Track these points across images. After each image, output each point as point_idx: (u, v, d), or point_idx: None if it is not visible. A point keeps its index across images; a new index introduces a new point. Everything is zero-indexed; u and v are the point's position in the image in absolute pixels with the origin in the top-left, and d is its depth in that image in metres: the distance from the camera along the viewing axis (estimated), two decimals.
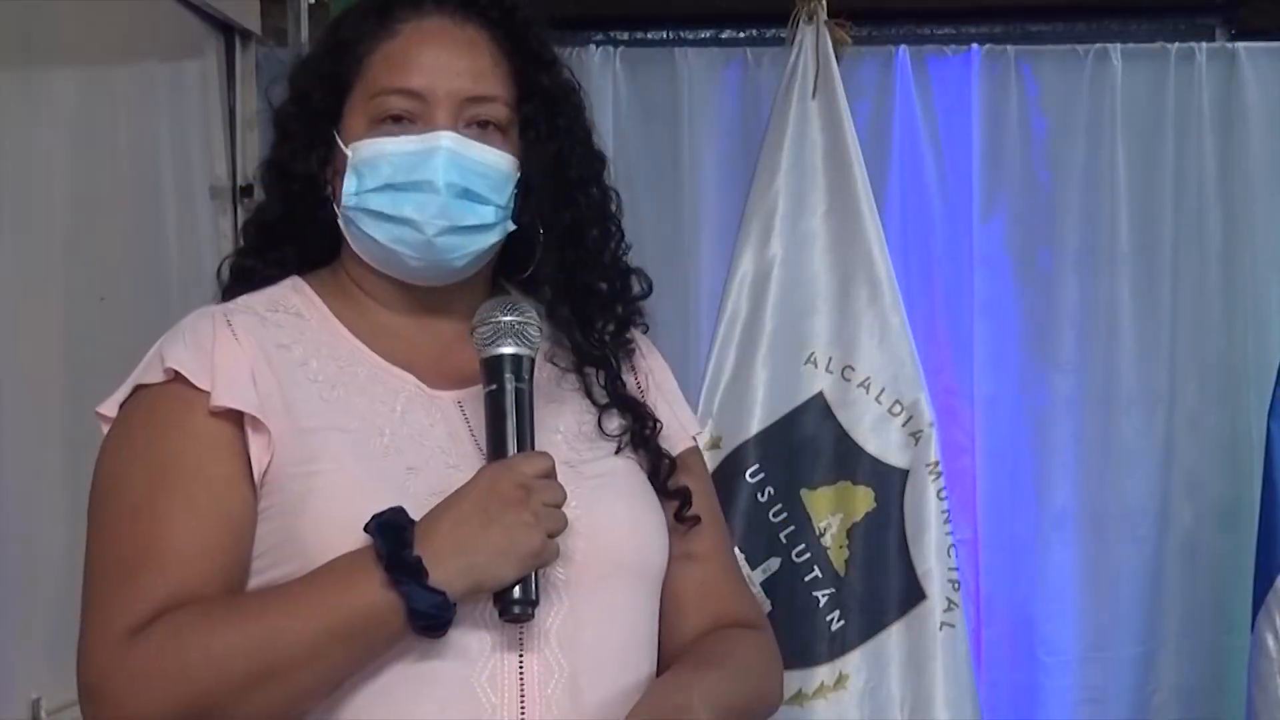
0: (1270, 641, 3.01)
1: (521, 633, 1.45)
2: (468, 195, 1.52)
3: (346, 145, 1.53)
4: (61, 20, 2.49)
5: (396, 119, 1.52)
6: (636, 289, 1.63)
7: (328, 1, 3.24)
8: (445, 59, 1.52)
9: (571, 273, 1.59)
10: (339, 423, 1.48)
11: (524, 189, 1.56)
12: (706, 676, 1.50)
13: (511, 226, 1.56)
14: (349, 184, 1.52)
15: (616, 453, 1.58)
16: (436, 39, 1.53)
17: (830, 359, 3.04)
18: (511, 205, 1.55)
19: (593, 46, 3.44)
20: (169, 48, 2.95)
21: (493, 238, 1.55)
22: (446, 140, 1.51)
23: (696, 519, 1.60)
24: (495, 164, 1.53)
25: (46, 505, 2.35)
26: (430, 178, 1.51)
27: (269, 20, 3.25)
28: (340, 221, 1.55)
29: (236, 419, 1.46)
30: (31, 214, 2.38)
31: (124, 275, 2.67)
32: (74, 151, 2.52)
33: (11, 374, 2.29)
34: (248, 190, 3.13)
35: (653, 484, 1.59)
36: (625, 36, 3.68)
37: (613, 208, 1.62)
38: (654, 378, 1.66)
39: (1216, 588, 3.34)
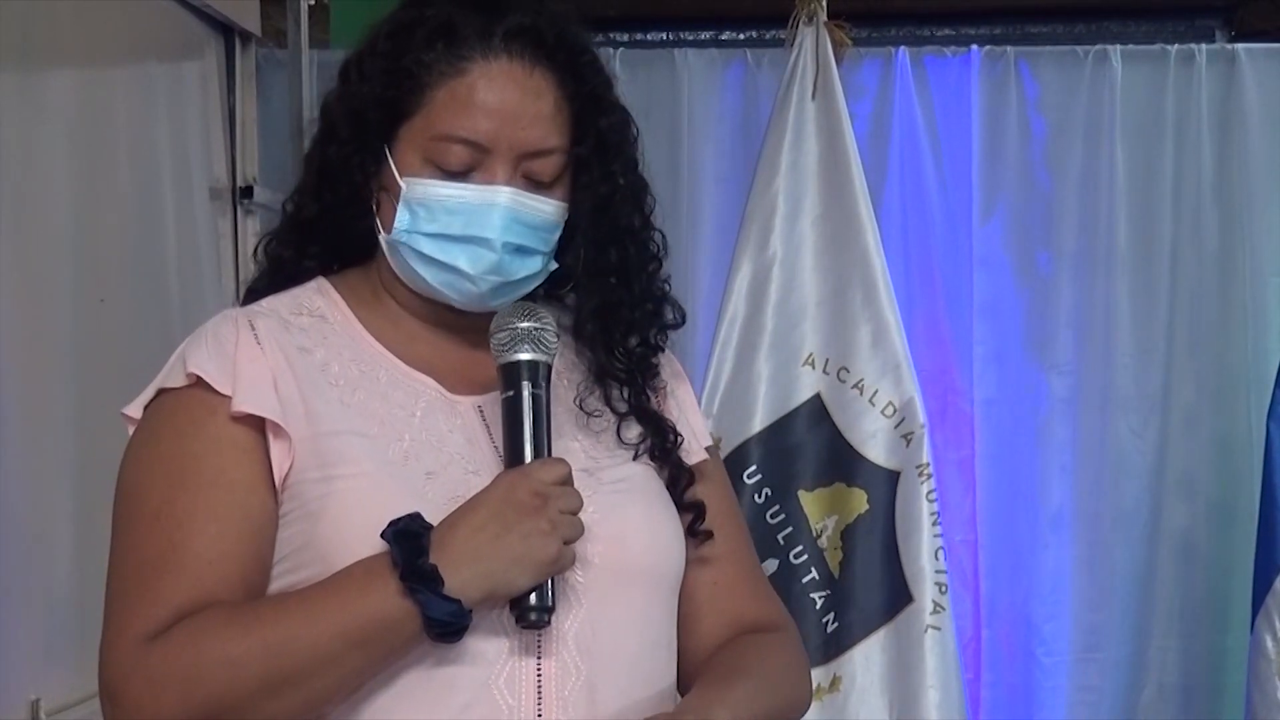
0: (1269, 643, 3.02)
1: (539, 636, 1.45)
2: (520, 250, 1.52)
3: (401, 174, 1.50)
4: (61, 21, 2.48)
5: (455, 167, 1.49)
6: (669, 317, 1.62)
7: (328, 3, 3.24)
8: (512, 109, 1.49)
9: (605, 298, 1.58)
10: (359, 427, 1.47)
11: (569, 228, 1.55)
12: (734, 688, 1.49)
13: (554, 266, 1.56)
14: (401, 218, 1.51)
15: (634, 459, 1.57)
16: (504, 87, 1.49)
17: (826, 361, 3.04)
18: (555, 246, 1.55)
19: None
20: (169, 49, 2.94)
21: (536, 281, 1.55)
22: (504, 197, 1.49)
23: (709, 534, 1.60)
24: (547, 215, 1.53)
25: (49, 507, 2.35)
26: (487, 235, 1.49)
27: (269, 21, 3.25)
28: (384, 243, 1.54)
29: (258, 424, 1.46)
30: (31, 215, 2.37)
31: (124, 277, 2.67)
32: (74, 152, 2.51)
33: (13, 375, 2.28)
34: (247, 191, 3.13)
35: (670, 494, 1.58)
36: (625, 37, 3.69)
37: (656, 248, 1.60)
38: (675, 394, 1.65)
39: (1213, 588, 3.35)
